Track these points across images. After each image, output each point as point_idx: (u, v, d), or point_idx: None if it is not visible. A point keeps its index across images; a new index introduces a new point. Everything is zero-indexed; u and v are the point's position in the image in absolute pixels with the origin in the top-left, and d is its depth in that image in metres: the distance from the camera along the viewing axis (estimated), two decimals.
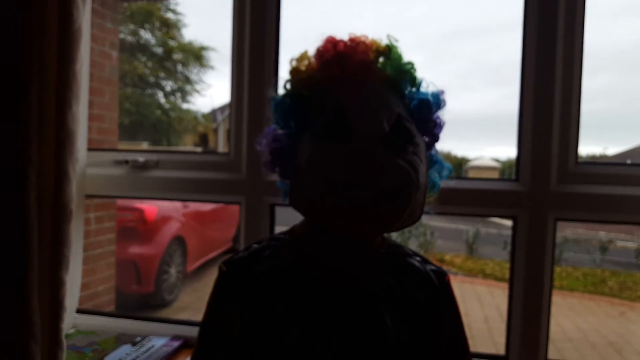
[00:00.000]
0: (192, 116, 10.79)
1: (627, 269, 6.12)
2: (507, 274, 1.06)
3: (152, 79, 10.05)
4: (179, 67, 10.28)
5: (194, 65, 10.27)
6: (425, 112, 0.62)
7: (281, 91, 0.64)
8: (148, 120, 9.66)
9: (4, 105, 0.91)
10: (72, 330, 1.19)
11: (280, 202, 0.69)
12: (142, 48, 9.66)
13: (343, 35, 0.61)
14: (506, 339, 1.06)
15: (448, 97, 0.64)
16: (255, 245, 0.63)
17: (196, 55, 10.15)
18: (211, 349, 0.59)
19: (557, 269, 5.83)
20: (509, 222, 1.07)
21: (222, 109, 11.54)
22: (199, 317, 0.62)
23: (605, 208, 1.00)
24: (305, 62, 0.62)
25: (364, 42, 0.60)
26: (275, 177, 0.66)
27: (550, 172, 1.01)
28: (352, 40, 0.60)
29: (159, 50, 9.97)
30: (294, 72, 0.62)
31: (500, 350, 1.08)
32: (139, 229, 3.62)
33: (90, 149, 1.23)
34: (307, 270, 0.60)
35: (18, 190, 0.90)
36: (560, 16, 1.00)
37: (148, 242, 3.65)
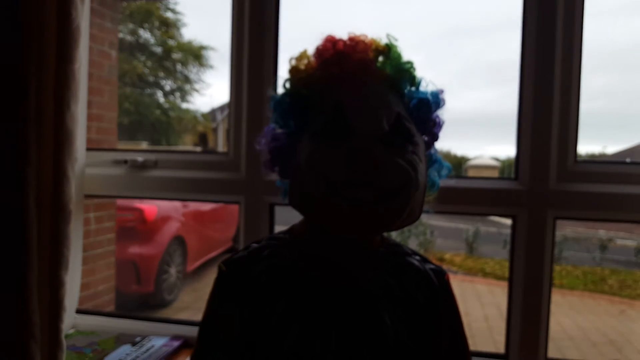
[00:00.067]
0: (192, 116, 10.80)
1: (627, 267, 6.13)
2: (507, 273, 1.07)
3: (151, 79, 10.06)
4: (179, 67, 10.29)
5: (193, 64, 10.28)
6: (424, 111, 0.62)
7: (280, 90, 0.64)
8: (147, 120, 9.66)
9: (2, 105, 0.91)
10: (71, 331, 1.19)
11: (280, 201, 0.69)
12: (142, 47, 9.66)
13: (342, 34, 0.61)
14: (506, 338, 1.06)
15: (448, 96, 0.64)
16: (255, 245, 0.63)
17: (195, 54, 10.16)
18: (211, 348, 0.59)
19: (557, 268, 5.83)
20: (508, 221, 1.07)
21: (221, 108, 11.54)
22: (199, 316, 0.62)
23: (604, 206, 1.00)
24: (305, 61, 0.62)
25: (363, 41, 0.60)
26: (274, 176, 0.66)
27: (550, 170, 1.01)
28: (351, 39, 0.60)
29: (158, 49, 9.97)
30: (294, 71, 0.62)
31: (501, 349, 1.08)
32: (138, 229, 3.61)
33: (89, 149, 1.23)
34: (306, 269, 0.60)
35: (17, 190, 0.89)
36: (559, 15, 1.00)
37: (148, 242, 3.65)
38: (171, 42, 9.91)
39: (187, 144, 10.98)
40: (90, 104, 1.82)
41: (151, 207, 3.66)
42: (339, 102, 0.56)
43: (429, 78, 0.63)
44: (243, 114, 1.14)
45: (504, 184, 1.08)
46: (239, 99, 1.15)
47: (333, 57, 0.60)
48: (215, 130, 12.05)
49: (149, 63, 9.89)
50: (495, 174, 11.45)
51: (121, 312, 2.99)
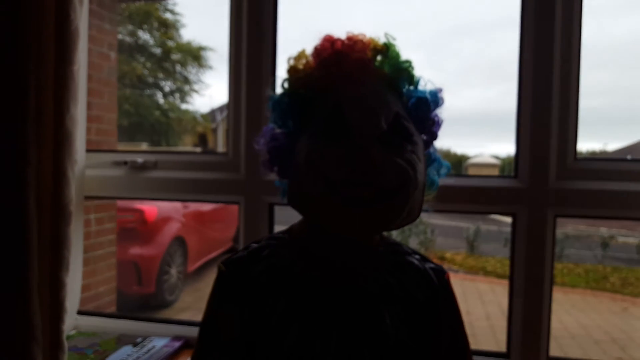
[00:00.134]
0: (191, 116, 10.80)
1: (628, 264, 6.12)
2: (508, 271, 1.06)
3: (150, 80, 10.06)
4: (178, 68, 10.29)
5: (192, 65, 10.28)
6: (423, 110, 0.62)
7: (279, 90, 0.64)
8: (147, 121, 9.67)
9: (2, 107, 0.91)
10: (73, 332, 1.19)
11: (279, 201, 0.69)
12: (141, 49, 9.67)
13: (341, 34, 0.61)
14: (507, 337, 1.06)
15: (447, 95, 0.64)
16: (254, 245, 0.63)
17: (195, 55, 10.16)
18: (211, 349, 0.59)
19: (559, 266, 5.83)
20: (509, 219, 1.07)
21: (221, 109, 11.54)
22: (200, 317, 0.62)
23: (605, 204, 0.99)
24: (303, 61, 0.62)
25: (361, 41, 0.60)
26: (273, 176, 0.66)
27: (549, 168, 1.01)
28: (349, 38, 0.60)
29: (157, 50, 9.98)
30: (292, 71, 0.62)
31: (503, 347, 1.08)
32: (139, 230, 3.62)
33: (89, 150, 1.23)
34: (306, 269, 0.60)
35: (17, 190, 0.90)
36: (557, 12, 1.00)
37: (148, 243, 3.65)
38: (170, 43, 9.91)
39: (187, 145, 10.98)
40: (89, 106, 1.82)
41: (151, 208, 3.67)
42: (338, 101, 0.56)
43: (428, 77, 0.63)
44: (242, 114, 1.14)
45: (504, 182, 1.07)
46: (238, 99, 1.15)
47: (331, 57, 0.60)
48: (214, 130, 12.06)
49: (148, 64, 9.89)
50: (496, 172, 11.45)
51: (122, 313, 2.99)
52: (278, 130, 0.64)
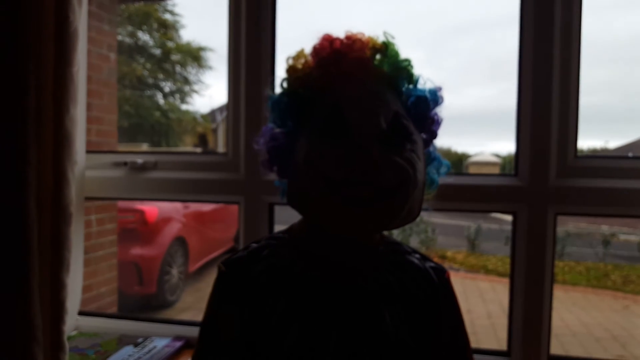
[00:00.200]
0: (191, 117, 10.81)
1: (630, 262, 6.12)
2: (509, 270, 1.06)
3: (150, 81, 10.07)
4: (178, 68, 10.29)
5: (192, 65, 10.28)
6: (422, 109, 0.62)
7: (278, 90, 0.64)
8: (147, 122, 9.68)
9: (1, 107, 0.91)
10: (74, 333, 1.19)
11: (279, 201, 0.69)
12: (140, 50, 9.67)
13: (340, 33, 0.61)
14: (508, 335, 1.06)
15: (447, 93, 0.64)
16: (254, 245, 0.63)
17: (194, 55, 10.16)
18: (211, 349, 0.59)
19: (560, 264, 5.82)
20: (510, 218, 1.07)
21: (221, 109, 11.54)
22: (201, 317, 0.62)
23: (606, 202, 0.99)
24: (302, 61, 0.62)
25: (360, 40, 0.60)
26: (273, 176, 0.66)
27: (549, 166, 1.00)
28: (348, 37, 0.60)
29: (157, 51, 9.98)
30: (291, 70, 0.62)
31: (504, 346, 1.08)
32: (140, 230, 3.62)
33: (89, 152, 1.23)
34: (306, 269, 0.60)
35: (17, 191, 0.90)
36: (557, 9, 0.99)
37: (149, 243, 3.66)
38: (170, 44, 9.91)
39: (188, 145, 10.99)
40: (89, 107, 1.82)
41: (152, 209, 3.67)
42: (336, 101, 0.56)
43: (428, 75, 0.63)
44: (241, 114, 1.14)
45: (504, 180, 1.07)
46: (237, 99, 1.15)
47: (330, 56, 0.59)
48: (215, 130, 12.06)
49: (148, 65, 9.89)
50: (497, 170, 11.45)
51: (123, 313, 3.00)
52: (277, 130, 0.64)
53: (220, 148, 11.46)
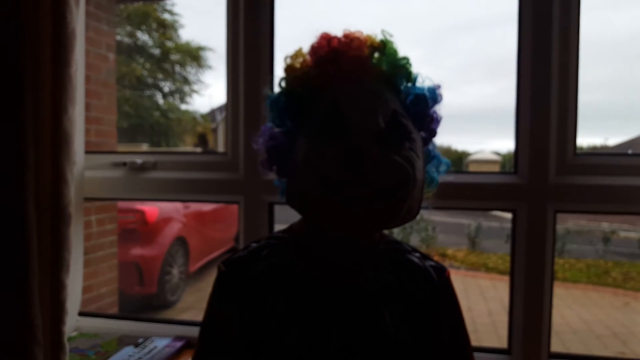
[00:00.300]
0: (191, 117, 10.80)
1: (630, 259, 6.12)
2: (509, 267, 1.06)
3: (150, 81, 10.06)
4: (177, 68, 10.28)
5: (191, 65, 10.28)
6: (421, 107, 0.61)
7: (276, 89, 0.63)
8: (147, 122, 9.67)
9: None
10: (74, 333, 1.19)
11: (279, 200, 0.69)
12: (140, 50, 9.66)
13: (338, 31, 0.61)
14: (508, 333, 1.06)
15: (447, 92, 0.64)
16: (254, 244, 0.63)
17: (193, 55, 10.16)
18: (212, 349, 0.59)
19: (560, 261, 5.82)
20: (510, 215, 1.07)
21: (220, 108, 11.54)
22: (202, 317, 0.62)
23: (605, 199, 0.99)
24: (300, 60, 0.62)
25: (358, 38, 0.60)
26: (273, 175, 0.66)
27: (549, 164, 1.00)
28: (346, 36, 0.60)
29: (156, 51, 9.97)
30: (289, 69, 0.62)
31: (505, 343, 1.08)
32: (140, 231, 3.62)
33: (88, 152, 1.23)
34: (306, 268, 0.60)
35: (16, 192, 0.90)
36: (555, 7, 0.99)
37: (150, 244, 3.66)
38: (169, 44, 9.91)
39: (187, 145, 10.99)
40: (88, 107, 1.82)
41: (152, 209, 3.67)
42: (335, 99, 0.56)
43: (426, 74, 0.63)
44: (240, 114, 1.14)
45: (503, 178, 1.07)
46: (236, 98, 1.15)
47: (328, 55, 0.59)
48: (214, 130, 12.06)
49: (147, 65, 9.89)
50: (497, 168, 11.44)
51: (123, 313, 3.00)
52: (276, 130, 0.64)
53: (221, 148, 11.46)
